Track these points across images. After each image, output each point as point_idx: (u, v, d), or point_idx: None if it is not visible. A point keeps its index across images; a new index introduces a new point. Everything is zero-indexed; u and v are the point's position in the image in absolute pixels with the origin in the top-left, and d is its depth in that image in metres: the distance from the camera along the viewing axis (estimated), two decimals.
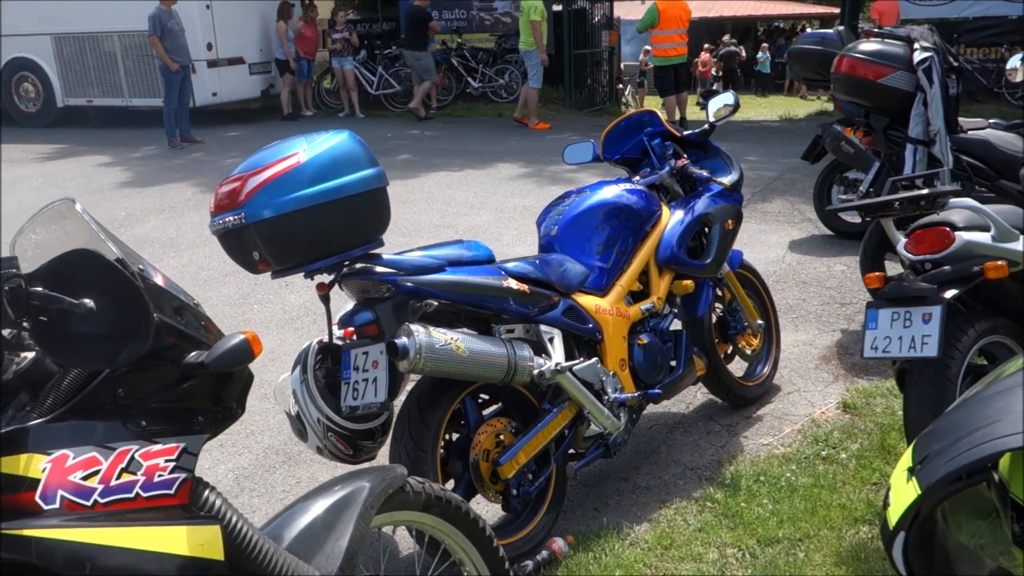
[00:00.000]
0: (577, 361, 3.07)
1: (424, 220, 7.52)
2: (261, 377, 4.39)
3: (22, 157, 11.38)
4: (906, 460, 1.38)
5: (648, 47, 25.62)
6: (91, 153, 11.45)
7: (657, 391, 3.37)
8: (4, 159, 11.23)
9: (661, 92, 12.76)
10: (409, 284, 2.70)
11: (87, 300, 1.34)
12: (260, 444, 3.90)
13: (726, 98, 4.01)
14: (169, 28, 11.47)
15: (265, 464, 3.74)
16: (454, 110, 14.71)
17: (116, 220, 7.77)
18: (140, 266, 1.54)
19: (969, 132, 5.18)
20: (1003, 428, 1.26)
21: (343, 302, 2.89)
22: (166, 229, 7.42)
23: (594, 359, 3.14)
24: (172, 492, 1.48)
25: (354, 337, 2.78)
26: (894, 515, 1.43)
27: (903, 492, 1.34)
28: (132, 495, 1.42)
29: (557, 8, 15.15)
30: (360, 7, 17.90)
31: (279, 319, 5.31)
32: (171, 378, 1.54)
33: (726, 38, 25.98)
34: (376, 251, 2.75)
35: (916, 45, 5.02)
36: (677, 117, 12.12)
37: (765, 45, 27.13)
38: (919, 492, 1.35)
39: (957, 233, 3.03)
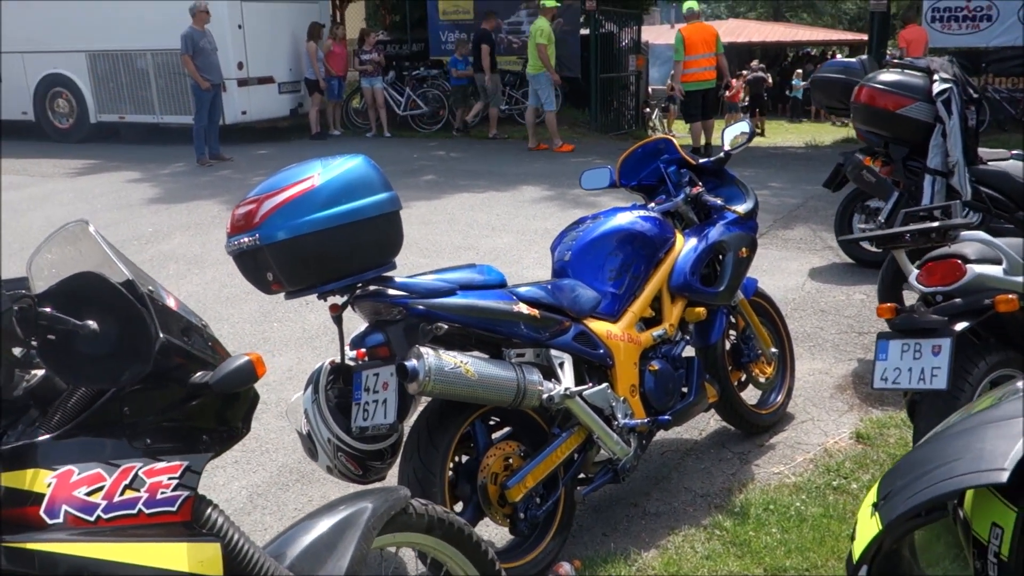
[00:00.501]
0: (587, 386, 3.09)
1: (446, 241, 7.58)
2: (278, 395, 4.48)
3: (54, 172, 11.58)
4: (872, 495, 1.39)
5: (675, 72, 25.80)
6: (121, 169, 11.63)
7: (667, 417, 3.38)
8: (37, 173, 11.43)
9: (686, 117, 12.79)
10: (420, 307, 2.74)
11: (91, 322, 1.39)
12: (275, 462, 3.94)
13: (741, 127, 4.03)
14: (201, 47, 11.67)
15: (279, 482, 3.78)
16: (481, 132, 14.81)
17: (143, 236, 7.90)
18: (150, 287, 1.58)
19: (990, 163, 5.17)
20: (961, 467, 1.27)
21: (357, 323, 2.93)
22: (191, 246, 7.53)
23: (604, 384, 3.16)
24: (174, 509, 1.51)
25: (366, 358, 2.81)
26: (858, 548, 1.45)
27: (867, 526, 1.36)
28: (135, 511, 1.46)
29: (584, 32, 15.26)
30: (390, 28, 18.10)
31: (298, 337, 5.37)
32: (177, 397, 1.58)
33: (754, 63, 25.96)
34: (389, 274, 2.78)
35: (935, 76, 5.02)
36: (702, 143, 12.08)
37: (799, 72, 27.07)
38: (880, 527, 1.37)
39: (968, 266, 3.04)
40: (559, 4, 12.58)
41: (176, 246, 7.57)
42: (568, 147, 12.86)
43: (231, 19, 13.04)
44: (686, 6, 12.18)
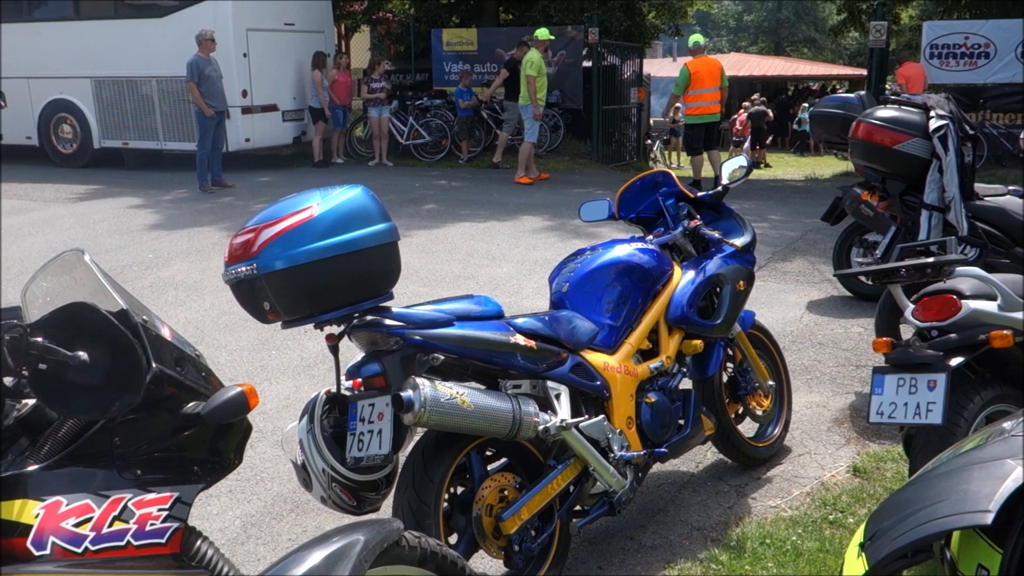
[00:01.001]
0: (583, 418, 3.08)
1: (446, 270, 7.60)
2: (274, 424, 4.47)
3: (56, 197, 11.62)
4: (859, 535, 1.39)
5: (679, 104, 25.94)
6: (123, 195, 11.67)
7: (664, 450, 3.38)
8: (39, 198, 11.48)
9: (688, 150, 12.77)
10: (417, 338, 2.74)
11: (81, 353, 1.39)
12: (269, 491, 3.92)
13: (740, 160, 4.05)
14: (207, 75, 11.76)
15: (273, 512, 3.76)
16: (482, 161, 14.88)
17: (143, 262, 7.92)
18: (144, 317, 1.59)
19: (987, 199, 5.19)
20: (947, 508, 1.27)
21: (354, 352, 2.94)
22: (191, 272, 7.54)
23: (601, 416, 3.16)
24: (163, 541, 1.51)
25: (362, 388, 2.81)
26: None
27: (854, 566, 1.36)
28: (123, 543, 1.46)
29: (587, 64, 15.37)
30: (394, 58, 18.25)
31: (295, 366, 5.36)
32: (169, 427, 1.58)
33: (755, 97, 26.11)
34: (386, 304, 2.79)
35: (932, 113, 5.05)
36: (703, 176, 12.09)
37: (805, 105, 27.19)
38: (867, 568, 1.36)
39: (964, 301, 3.05)
40: (552, 37, 12.61)
41: (176, 272, 7.59)
42: (526, 180, 12.67)
43: (236, 47, 13.14)
44: (692, 39, 12.23)
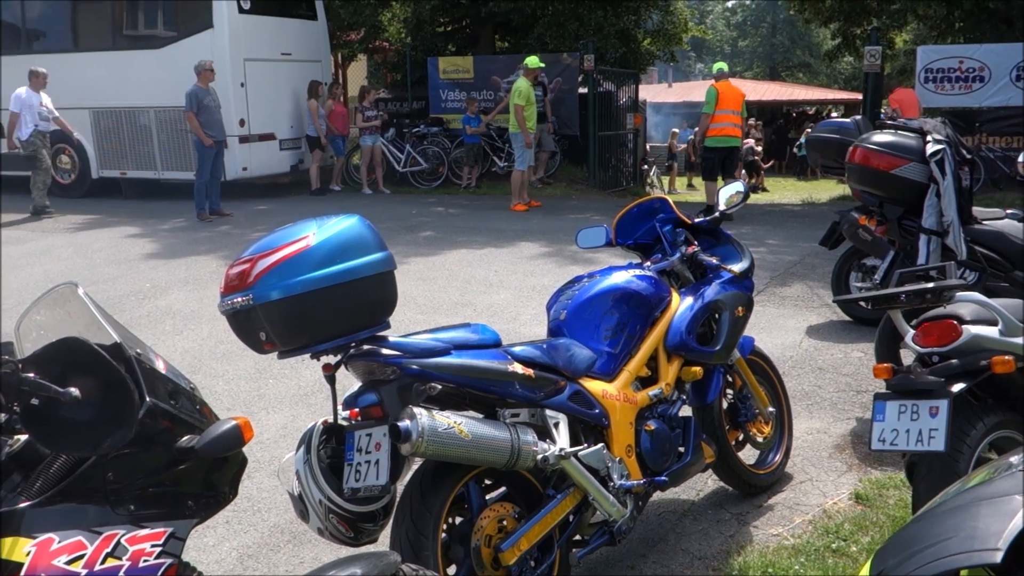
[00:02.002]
0: (582, 447, 3.06)
1: (444, 298, 7.58)
2: (271, 454, 4.44)
3: (54, 227, 11.63)
4: (865, 572, 1.37)
5: (676, 129, 26.04)
6: (121, 224, 11.68)
7: (664, 478, 3.35)
8: (37, 228, 11.48)
9: (704, 173, 12.43)
10: (414, 367, 2.72)
11: (73, 389, 1.38)
12: (266, 522, 3.89)
13: (736, 187, 4.06)
14: (205, 104, 11.82)
15: (270, 543, 3.72)
16: (479, 188, 14.91)
17: (141, 291, 7.90)
18: (138, 350, 1.57)
19: (985, 222, 5.19)
20: (954, 546, 1.25)
21: (351, 382, 2.92)
22: (188, 301, 7.53)
23: (600, 445, 3.13)
24: None
25: (359, 418, 2.79)
26: None
27: None
28: None
29: (583, 91, 15.44)
30: (391, 86, 18.34)
31: (293, 395, 5.34)
32: (162, 462, 1.56)
33: (751, 121, 26.21)
34: (382, 333, 2.77)
35: (929, 137, 5.07)
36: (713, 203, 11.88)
37: (809, 130, 27.27)
38: None
39: (964, 327, 3.03)
40: (543, 65, 12.60)
41: (173, 301, 7.57)
42: (521, 207, 12.61)
43: (234, 77, 13.21)
44: (716, 66, 12.24)
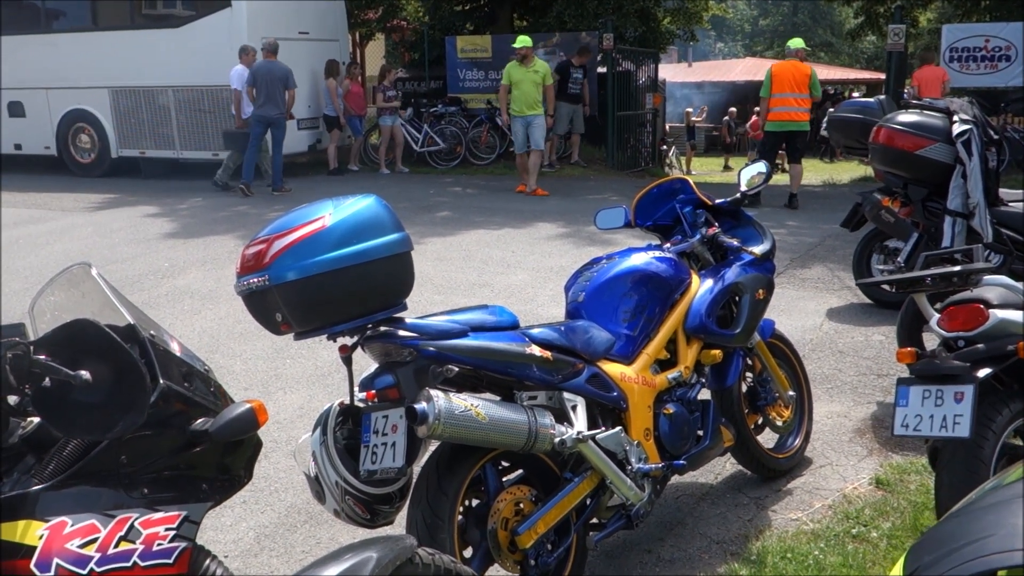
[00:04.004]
0: (600, 430, 3.03)
1: (461, 278, 7.56)
2: (288, 434, 4.44)
3: (74, 206, 11.67)
4: (898, 568, 1.33)
5: (690, 109, 25.88)
6: (140, 204, 11.70)
7: (682, 462, 3.32)
8: (57, 208, 11.53)
9: (761, 158, 11.90)
10: (431, 349, 2.70)
11: (84, 372, 1.36)
12: (283, 502, 3.89)
13: (759, 167, 4.00)
14: (255, 84, 12.04)
15: (287, 523, 3.72)
16: (496, 168, 14.85)
17: (159, 271, 7.92)
18: (151, 332, 1.55)
19: (1011, 204, 5.11)
20: (993, 544, 1.21)
21: (368, 363, 2.90)
22: (206, 281, 7.54)
23: (618, 428, 3.11)
24: (171, 562, 1.47)
25: (375, 400, 2.77)
26: None
27: None
28: (129, 564, 1.42)
29: (602, 70, 15.33)
30: (409, 66, 18.26)
31: (310, 375, 5.34)
32: (176, 445, 1.54)
33: None
34: (399, 315, 2.75)
35: (955, 117, 4.98)
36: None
37: (832, 109, 26.98)
38: None
39: (991, 311, 2.98)
40: (530, 44, 12.18)
41: (191, 281, 7.59)
42: (540, 191, 12.21)
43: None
44: (789, 43, 11.60)
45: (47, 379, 1.35)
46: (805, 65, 11.15)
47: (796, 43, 11.39)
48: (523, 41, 12.02)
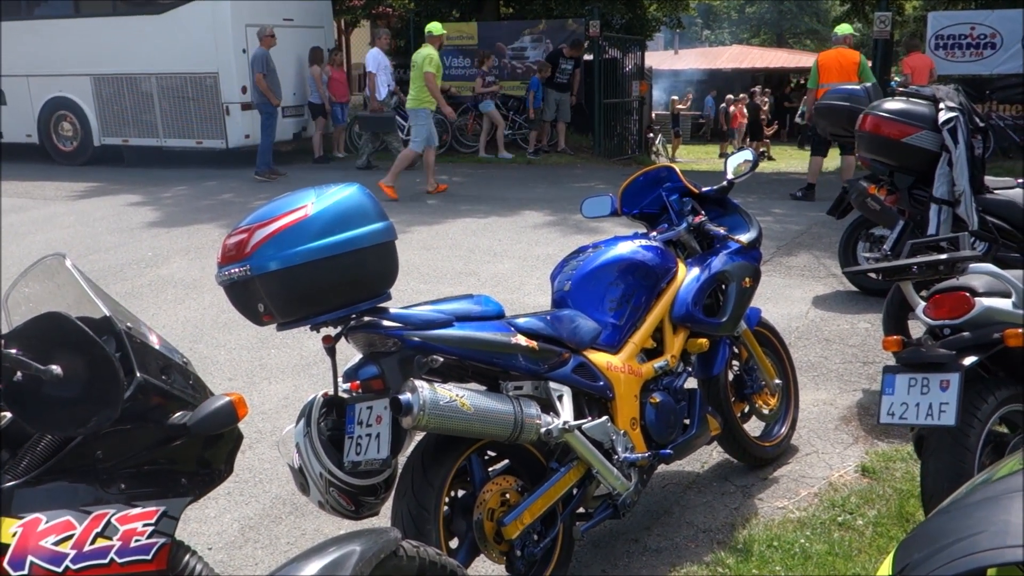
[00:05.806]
0: (586, 419, 3.02)
1: (447, 267, 7.53)
2: (273, 424, 4.41)
3: (56, 195, 11.56)
4: (887, 566, 1.32)
5: (675, 97, 25.82)
6: (123, 192, 11.61)
7: (669, 451, 3.31)
8: (39, 196, 11.42)
9: (812, 149, 11.40)
10: (415, 339, 2.68)
11: (55, 366, 1.32)
12: (268, 493, 3.86)
13: (745, 155, 3.98)
14: (271, 68, 12.25)
15: (271, 515, 3.70)
16: (483, 156, 14.79)
17: (143, 260, 7.85)
18: (128, 324, 1.52)
19: (997, 192, 5.11)
20: (983, 541, 1.20)
21: (352, 354, 2.87)
22: (190, 270, 7.48)
23: (604, 418, 3.09)
24: (149, 558, 1.44)
25: (359, 391, 2.75)
26: None
27: None
28: (106, 561, 1.39)
29: (588, 58, 15.27)
30: (394, 53, 18.13)
31: (295, 365, 5.30)
32: (154, 439, 1.51)
33: (756, 89, 25.99)
34: (384, 304, 2.72)
35: (941, 105, 4.97)
36: (815, 181, 10.94)
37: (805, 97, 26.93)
38: None
39: (977, 299, 2.97)
40: (444, 32, 11.24)
41: (175, 270, 7.53)
42: (442, 187, 11.48)
43: (235, 44, 13.05)
44: (836, 29, 11.10)
45: (18, 373, 1.32)
46: (853, 52, 10.67)
47: (844, 29, 10.86)
48: (439, 29, 11.11)
